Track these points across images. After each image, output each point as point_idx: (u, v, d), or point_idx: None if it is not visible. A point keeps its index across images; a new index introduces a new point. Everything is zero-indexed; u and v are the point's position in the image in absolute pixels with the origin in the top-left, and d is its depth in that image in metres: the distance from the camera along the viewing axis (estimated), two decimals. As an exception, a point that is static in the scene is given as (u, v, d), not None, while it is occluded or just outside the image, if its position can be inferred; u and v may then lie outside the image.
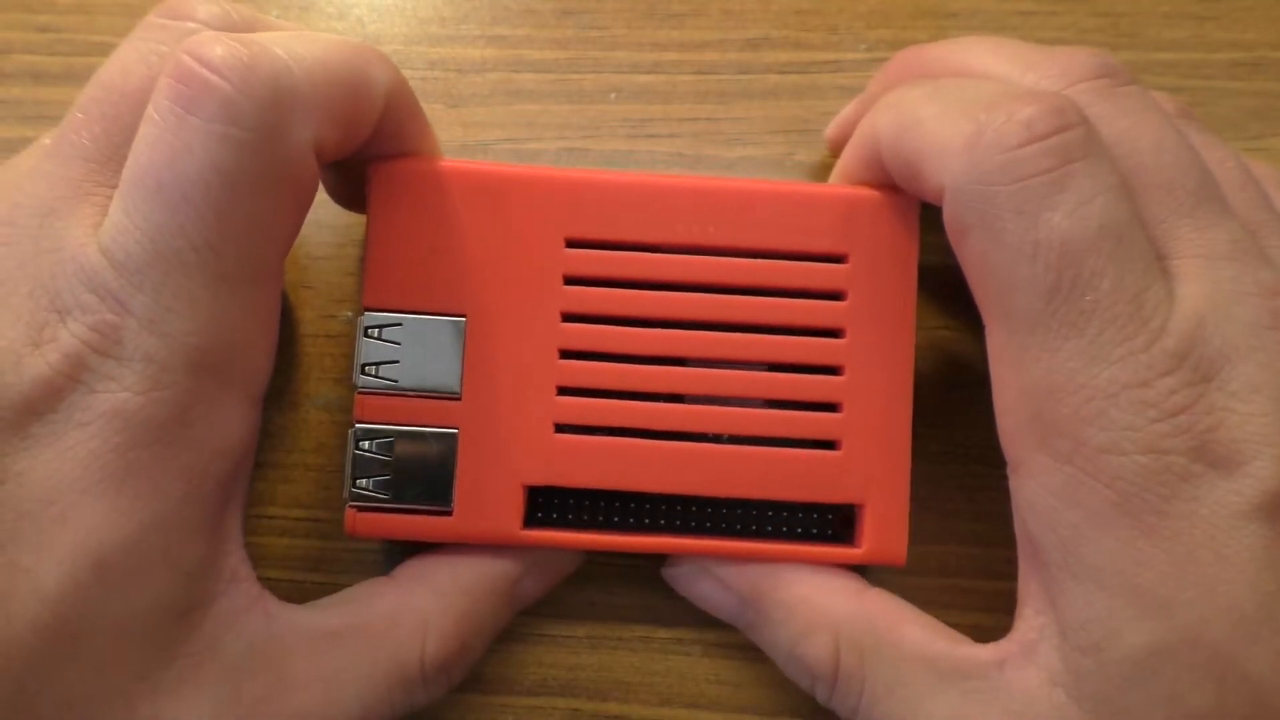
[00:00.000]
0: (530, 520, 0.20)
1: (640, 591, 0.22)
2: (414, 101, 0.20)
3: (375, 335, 0.20)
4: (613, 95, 0.27)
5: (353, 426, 0.20)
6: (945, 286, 0.24)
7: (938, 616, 0.22)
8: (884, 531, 0.20)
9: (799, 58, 0.27)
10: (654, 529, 0.20)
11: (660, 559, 0.22)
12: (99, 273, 0.16)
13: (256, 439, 0.19)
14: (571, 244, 0.20)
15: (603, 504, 0.20)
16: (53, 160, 0.17)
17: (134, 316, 0.16)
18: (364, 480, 0.20)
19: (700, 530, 0.21)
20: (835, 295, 0.20)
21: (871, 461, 0.20)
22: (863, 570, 0.21)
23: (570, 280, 0.20)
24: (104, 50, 0.28)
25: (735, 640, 0.22)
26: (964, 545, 0.22)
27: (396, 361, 0.20)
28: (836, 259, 0.20)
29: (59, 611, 0.15)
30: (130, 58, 0.18)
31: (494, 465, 0.20)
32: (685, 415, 0.20)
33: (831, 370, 0.20)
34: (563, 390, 0.20)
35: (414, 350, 0.20)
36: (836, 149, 0.24)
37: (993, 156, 0.17)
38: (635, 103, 0.27)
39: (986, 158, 0.17)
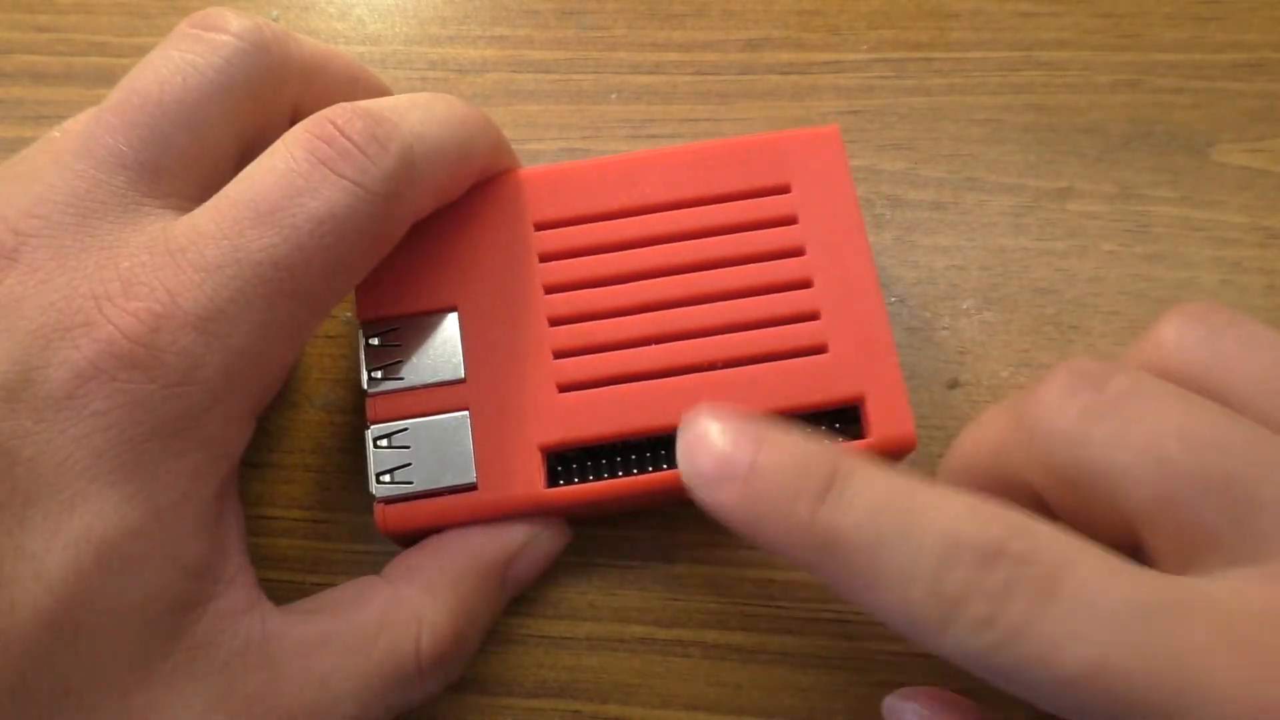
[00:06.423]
0: (552, 485, 0.21)
1: (640, 593, 0.22)
2: (502, 153, 0.22)
3: (377, 341, 0.21)
4: (613, 96, 0.27)
5: (368, 427, 0.20)
6: (940, 284, 0.24)
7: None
8: (888, 417, 0.20)
9: (800, 58, 0.27)
10: (671, 466, 0.21)
11: (662, 556, 0.22)
12: (160, 268, 0.17)
13: (244, 451, 0.19)
14: (540, 227, 0.22)
15: (619, 458, 0.21)
16: (85, 161, 0.17)
17: (182, 310, 0.16)
18: (387, 476, 0.20)
19: None
20: (788, 221, 0.22)
21: (861, 356, 0.21)
22: None
23: (545, 258, 0.22)
24: (104, 50, 0.28)
25: (735, 642, 0.22)
26: (965, 547, 0.22)
27: (400, 361, 0.21)
28: (781, 190, 0.22)
29: (61, 598, 0.15)
30: (165, 69, 0.18)
31: (508, 435, 0.21)
32: (677, 351, 0.21)
33: (802, 285, 0.21)
34: (559, 354, 0.21)
35: (416, 348, 0.21)
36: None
37: None
38: (636, 103, 0.27)
39: None
